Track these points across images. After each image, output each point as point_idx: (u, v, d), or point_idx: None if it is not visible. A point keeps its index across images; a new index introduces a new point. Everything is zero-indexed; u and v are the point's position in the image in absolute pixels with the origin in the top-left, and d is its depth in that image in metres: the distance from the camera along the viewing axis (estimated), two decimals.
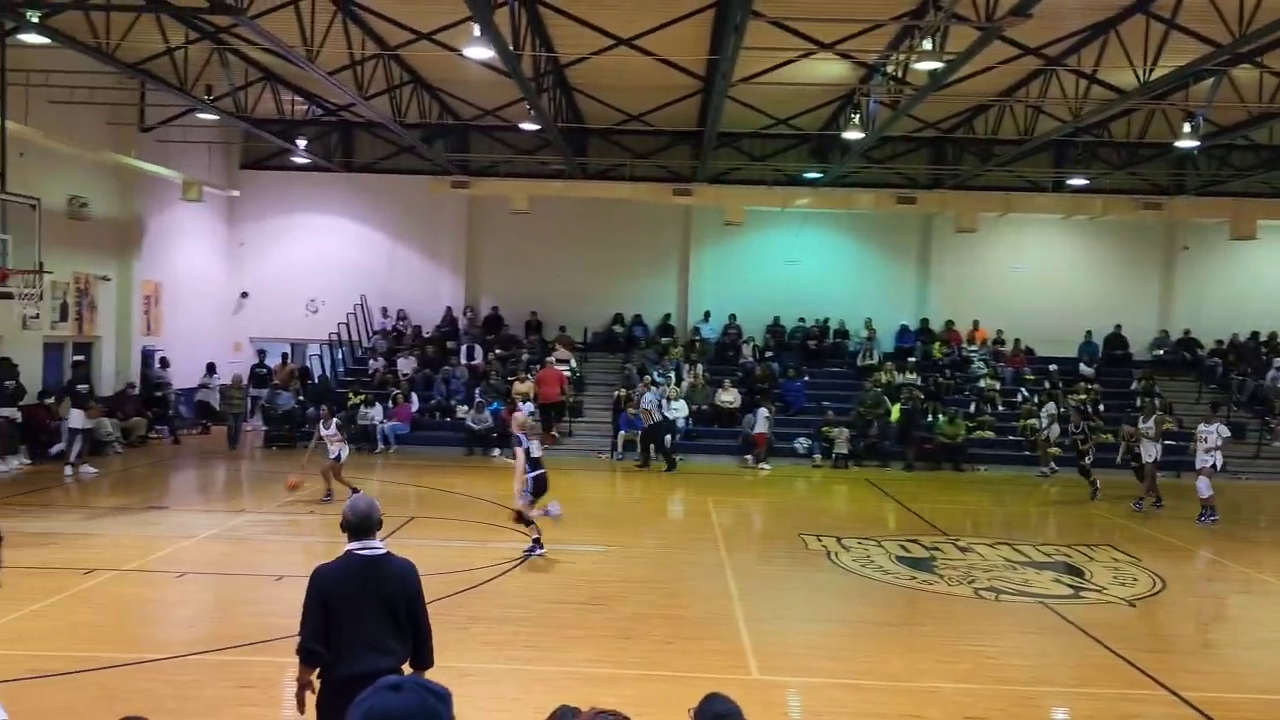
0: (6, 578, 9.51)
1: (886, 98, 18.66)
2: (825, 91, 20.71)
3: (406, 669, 4.78)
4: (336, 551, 5.01)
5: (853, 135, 19.69)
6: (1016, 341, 26.22)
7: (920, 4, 14.19)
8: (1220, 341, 26.09)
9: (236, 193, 26.39)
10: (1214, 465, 15.68)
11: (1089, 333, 26.18)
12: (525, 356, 24.76)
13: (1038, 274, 26.76)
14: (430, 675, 4.24)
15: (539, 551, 11.92)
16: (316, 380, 24.69)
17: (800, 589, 11.23)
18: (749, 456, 21.26)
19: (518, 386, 23.01)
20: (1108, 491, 17.77)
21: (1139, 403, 22.10)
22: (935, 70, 14.70)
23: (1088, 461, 18.28)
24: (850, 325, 26.47)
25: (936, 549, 13.24)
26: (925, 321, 26.61)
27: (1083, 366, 25.49)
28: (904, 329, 26.45)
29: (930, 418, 22.47)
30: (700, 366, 24.35)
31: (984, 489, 19.31)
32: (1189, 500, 16.26)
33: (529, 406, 22.28)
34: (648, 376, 22.38)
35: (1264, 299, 26.11)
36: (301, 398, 23.06)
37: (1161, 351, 26.11)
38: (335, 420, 15.75)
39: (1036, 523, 16.62)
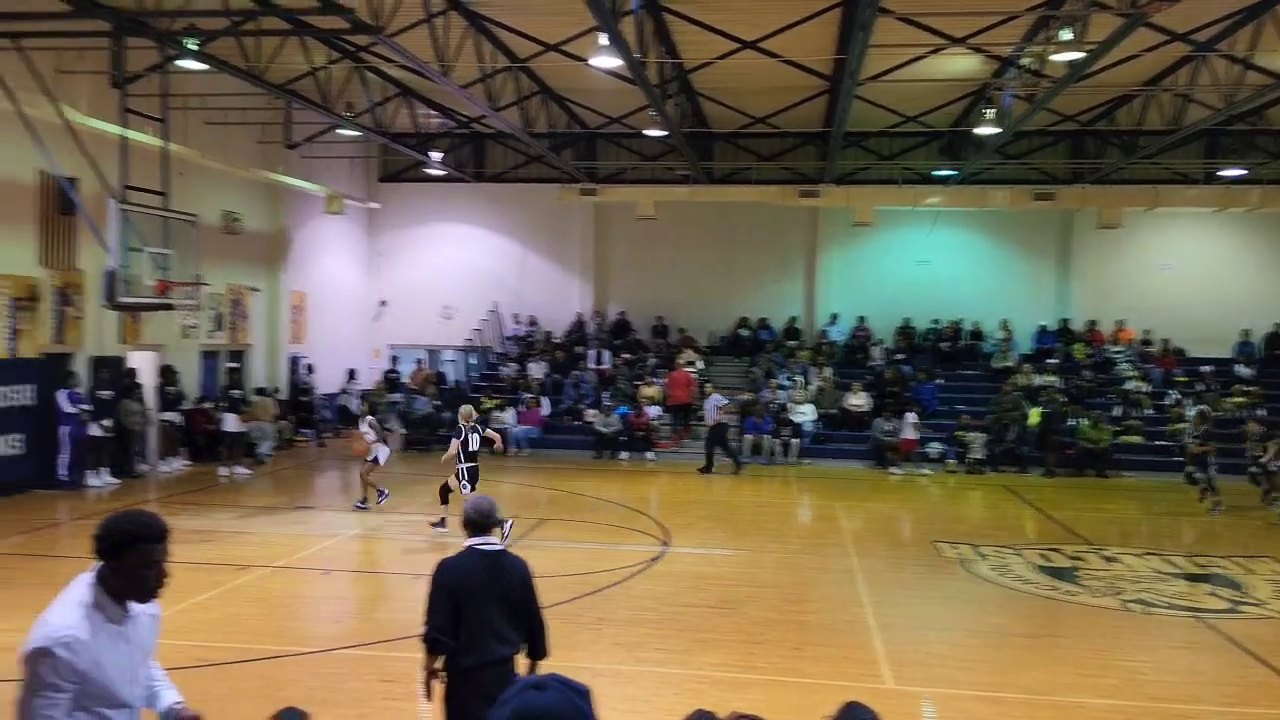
0: (173, 571, 10.11)
1: (1022, 91, 18.06)
2: (957, 87, 20.21)
3: (522, 659, 5.08)
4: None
5: (986, 131, 19.14)
6: (1165, 342, 25.00)
7: None
8: None
9: (376, 205, 27.44)
10: None
11: (1246, 331, 24.75)
12: (652, 361, 24.94)
13: (1188, 270, 25.46)
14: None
15: (444, 529, 13.01)
16: (451, 385, 25.42)
17: (935, 597, 10.98)
18: (893, 466, 20.79)
19: (644, 390, 23.21)
20: (1239, 500, 16.71)
21: None
22: (1075, 61, 14.16)
23: (1211, 471, 16.71)
24: (985, 326, 25.71)
25: (1079, 558, 12.75)
26: (1065, 322, 25.64)
27: (1239, 368, 24.11)
28: (1043, 329, 25.55)
29: (1072, 422, 21.62)
30: (828, 369, 24.05)
31: (1131, 496, 18.46)
32: None
33: (655, 410, 22.58)
34: (709, 384, 22.23)
35: None
36: (437, 402, 23.78)
37: None
38: (369, 419, 15.46)
39: (1188, 532, 15.81)
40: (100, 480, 16.66)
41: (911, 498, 18.12)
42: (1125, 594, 10.89)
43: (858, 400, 22.80)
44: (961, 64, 18.36)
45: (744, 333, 26.38)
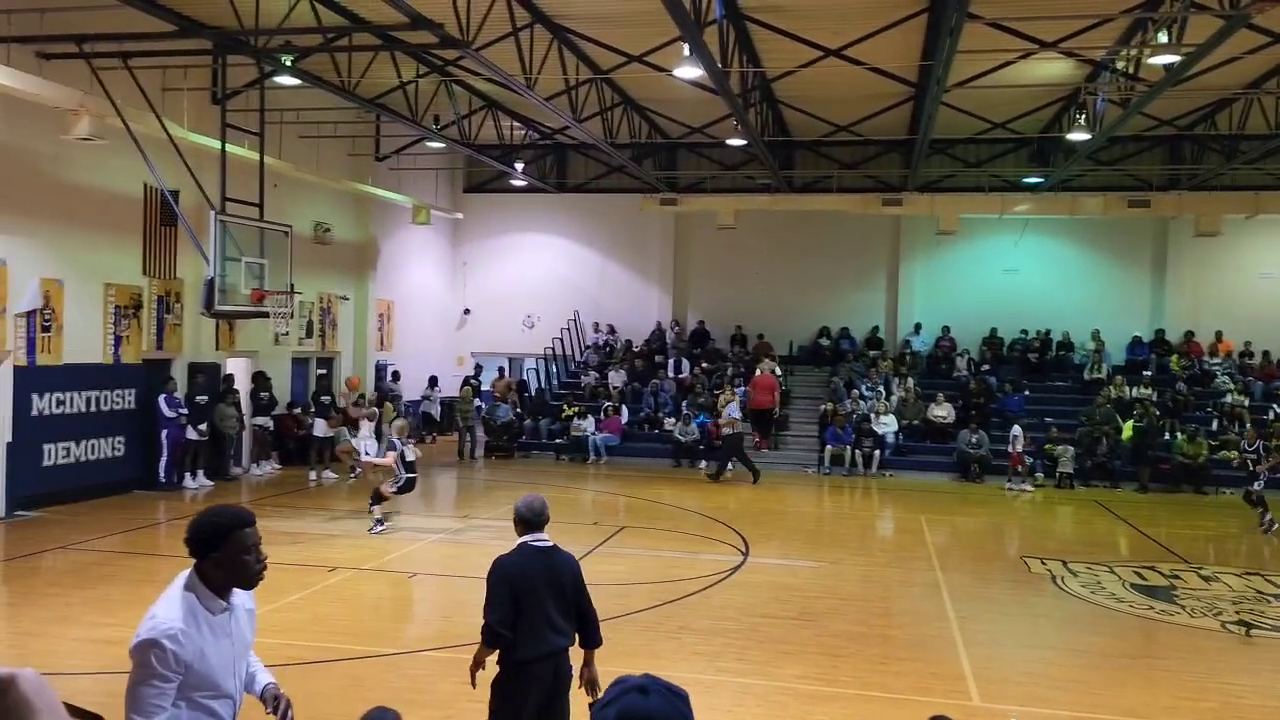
0: (267, 571, 10.39)
1: (1115, 96, 17.60)
2: (1047, 92, 19.79)
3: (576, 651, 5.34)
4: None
5: (1078, 136, 18.70)
6: (1266, 354, 24.07)
7: None
8: None
9: (460, 215, 27.91)
10: None
11: None
12: (730, 370, 24.88)
13: None
14: None
15: (381, 529, 13.63)
16: (533, 393, 25.70)
17: (1023, 614, 10.73)
18: (1009, 481, 20.20)
19: (723, 399, 23.12)
20: None
21: None
22: (1171, 64, 13.76)
23: (1258, 486, 16.00)
24: (1076, 337, 25.08)
25: (1176, 577, 12.34)
26: (1160, 332, 24.88)
27: None
28: (1136, 340, 24.82)
29: (1167, 436, 20.96)
30: (911, 380, 23.70)
31: (1230, 514, 17.79)
32: None
33: (733, 408, 22.49)
34: (728, 391, 22.00)
35: None
36: (519, 409, 24.06)
37: None
38: (368, 422, 15.42)
39: None
40: (195, 482, 17.25)
41: (998, 512, 17.74)
42: (1225, 614, 10.51)
43: (941, 411, 22.43)
44: (1052, 68, 17.98)
45: (824, 342, 26.16)
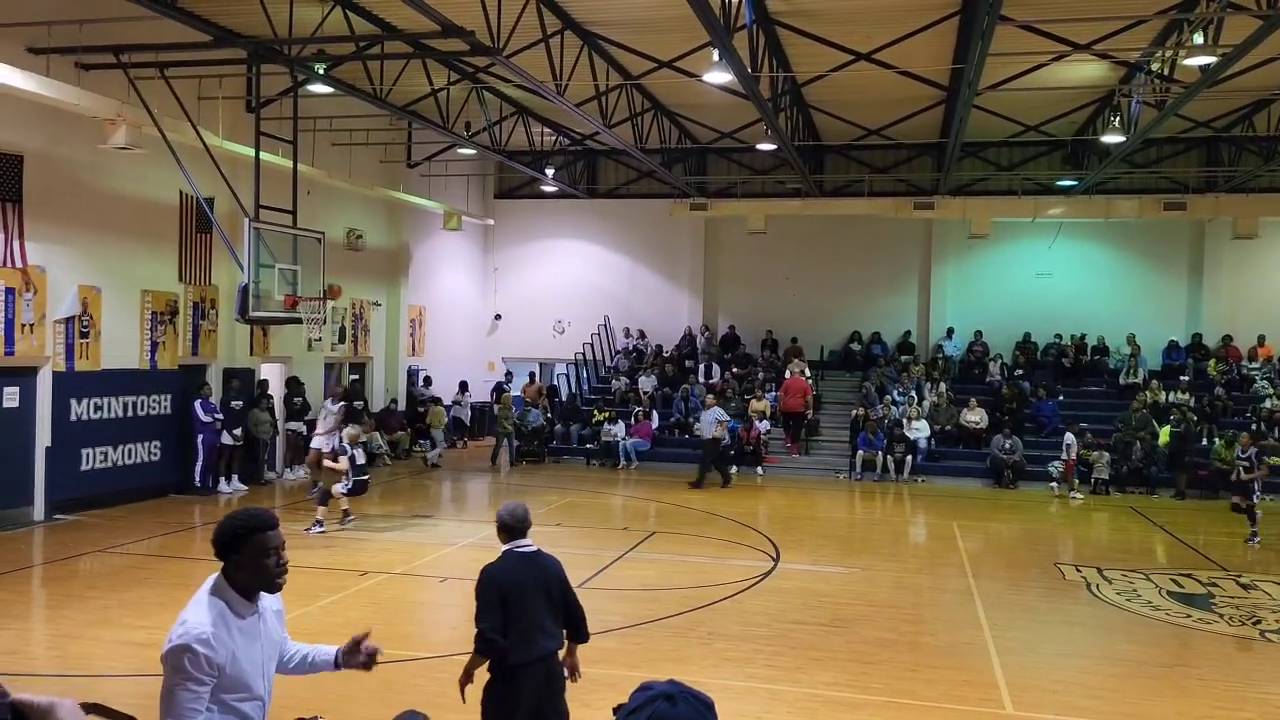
0: (298, 575, 10.51)
1: (1151, 97, 17.41)
2: (1081, 94, 19.61)
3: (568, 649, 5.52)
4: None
5: (1113, 139, 18.51)
6: None
7: None
8: None
9: (491, 221, 28.07)
10: None
11: None
12: (761, 375, 24.82)
13: None
14: None
15: (318, 530, 13.86)
16: (563, 398, 25.76)
17: (1057, 621, 10.62)
18: (1054, 484, 19.92)
19: (754, 405, 23.11)
20: None
21: None
22: (1208, 65, 13.59)
23: (1255, 498, 15.38)
24: (1111, 341, 24.79)
25: (1214, 584, 12.16)
26: (1198, 337, 24.53)
27: None
28: (1173, 345, 24.48)
29: (1205, 441, 20.66)
30: (944, 385, 23.52)
31: (1270, 521, 17.47)
32: None
33: (765, 424, 22.44)
34: (710, 396, 21.86)
35: None
36: (549, 415, 24.12)
37: None
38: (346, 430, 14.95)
39: None
40: (230, 487, 17.44)
41: (1032, 518, 17.56)
42: (1265, 623, 10.34)
43: (974, 417, 22.24)
44: (1086, 70, 17.82)
45: (856, 347, 26.04)
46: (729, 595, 11.04)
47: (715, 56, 13.35)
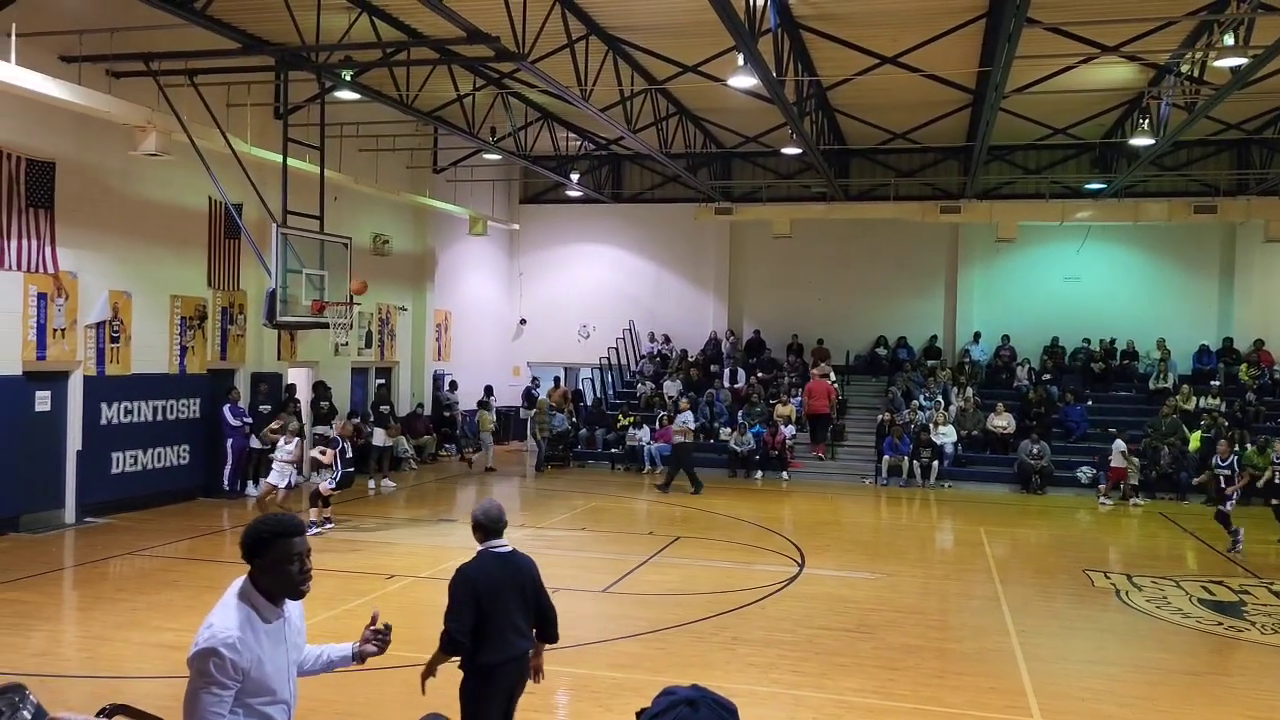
0: (324, 579, 10.55)
1: (1180, 99, 17.23)
2: (1109, 97, 19.43)
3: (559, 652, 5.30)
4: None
5: (1141, 141, 18.32)
6: None
7: None
8: None
9: (516, 226, 28.16)
10: None
11: None
12: (787, 380, 24.75)
13: None
14: None
15: (319, 530, 13.95)
16: (589, 403, 25.79)
17: (1086, 628, 10.51)
18: (1101, 489, 19.64)
19: (779, 409, 23.04)
20: None
21: None
22: (1239, 67, 13.44)
23: (1228, 507, 14.88)
24: (1140, 346, 24.52)
25: (1246, 592, 12.00)
26: (1229, 341, 24.23)
27: None
28: (1203, 349, 24.19)
29: (1236, 447, 20.37)
30: (970, 390, 23.36)
31: None
32: None
33: (791, 429, 22.36)
34: (682, 400, 21.73)
35: None
36: (574, 419, 24.15)
37: None
38: (298, 439, 14.72)
39: None
40: (258, 490, 17.55)
41: (1060, 524, 17.39)
42: None
43: (1001, 422, 22.08)
44: (1114, 73, 17.67)
45: (881, 352, 25.91)
46: (754, 600, 11.01)
47: (740, 61, 13.33)
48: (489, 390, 25.93)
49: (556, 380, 26.78)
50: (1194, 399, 22.24)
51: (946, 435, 21.67)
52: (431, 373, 24.61)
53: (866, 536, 16.14)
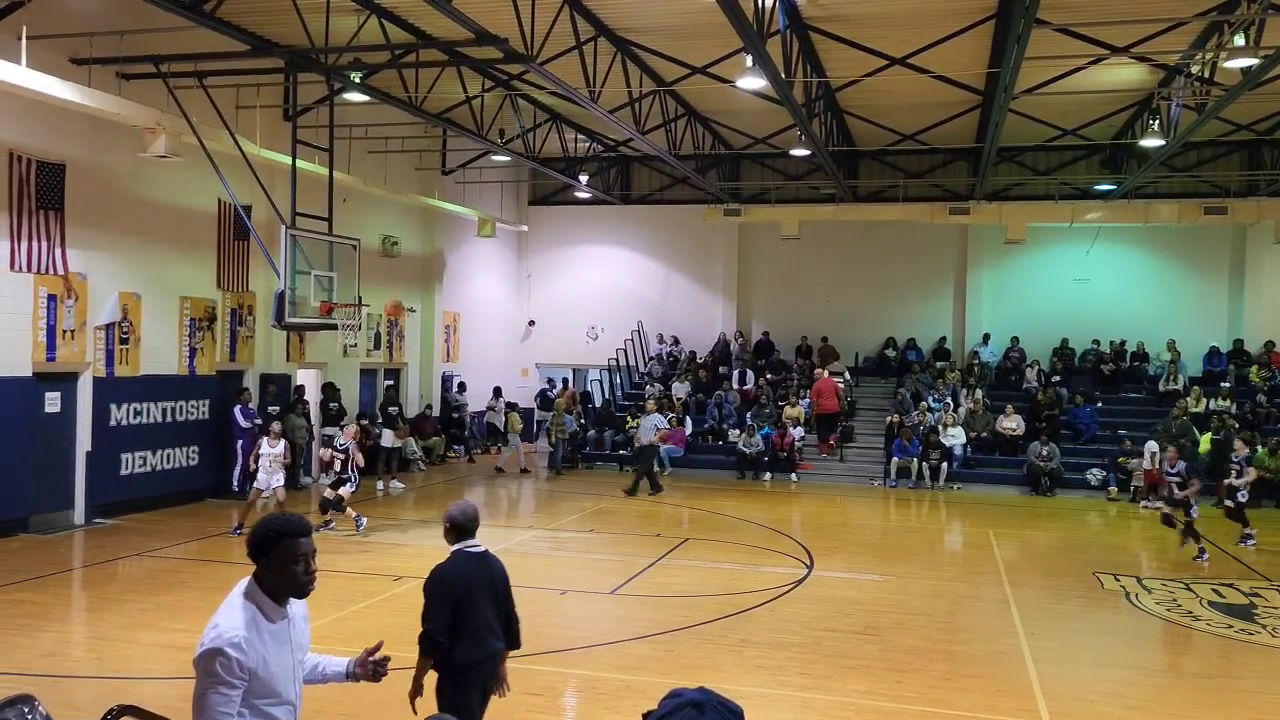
0: (327, 579, 10.58)
1: (1191, 100, 17.16)
2: (1119, 98, 19.36)
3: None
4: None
5: (1152, 143, 18.26)
6: None
7: None
8: None
9: (525, 227, 28.19)
10: None
11: None
12: (795, 381, 24.71)
13: None
14: None
15: (329, 528, 14.23)
16: (597, 405, 25.79)
17: (1096, 631, 10.46)
18: (1144, 500, 19.02)
19: (788, 411, 23.01)
20: None
21: None
22: (1249, 67, 13.38)
23: (1192, 514, 14.18)
24: (1150, 347, 24.43)
25: (1257, 594, 11.93)
26: (1239, 343, 24.11)
27: None
28: (1214, 351, 24.08)
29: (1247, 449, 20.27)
30: (979, 392, 23.30)
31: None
32: None
33: (799, 431, 22.32)
34: (651, 401, 21.68)
35: None
36: (583, 420, 24.15)
37: None
38: (284, 441, 14.56)
39: None
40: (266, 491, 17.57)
41: (1069, 526, 17.33)
42: None
43: (1011, 423, 22.02)
44: (1124, 74, 17.61)
45: (890, 353, 25.87)
46: (762, 602, 10.99)
47: (749, 62, 13.31)
48: (498, 391, 26.01)
49: (565, 381, 26.79)
50: (1204, 401, 22.14)
51: (955, 437, 21.61)
52: (440, 374, 24.64)
53: (875, 538, 16.11)
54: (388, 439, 19.68)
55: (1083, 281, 25.23)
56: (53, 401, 14.38)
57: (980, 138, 20.92)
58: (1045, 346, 25.13)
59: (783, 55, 14.39)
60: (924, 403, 22.80)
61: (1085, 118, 21.06)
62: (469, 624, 5.24)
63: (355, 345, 19.34)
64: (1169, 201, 23.58)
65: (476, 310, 26.54)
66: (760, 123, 21.78)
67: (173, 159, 14.30)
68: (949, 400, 22.96)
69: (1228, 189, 23.53)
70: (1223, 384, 22.84)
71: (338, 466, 14.47)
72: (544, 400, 25.80)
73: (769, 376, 25.21)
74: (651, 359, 27.25)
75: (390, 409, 20.84)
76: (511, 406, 23.38)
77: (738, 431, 22.68)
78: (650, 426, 19.87)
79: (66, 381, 14.60)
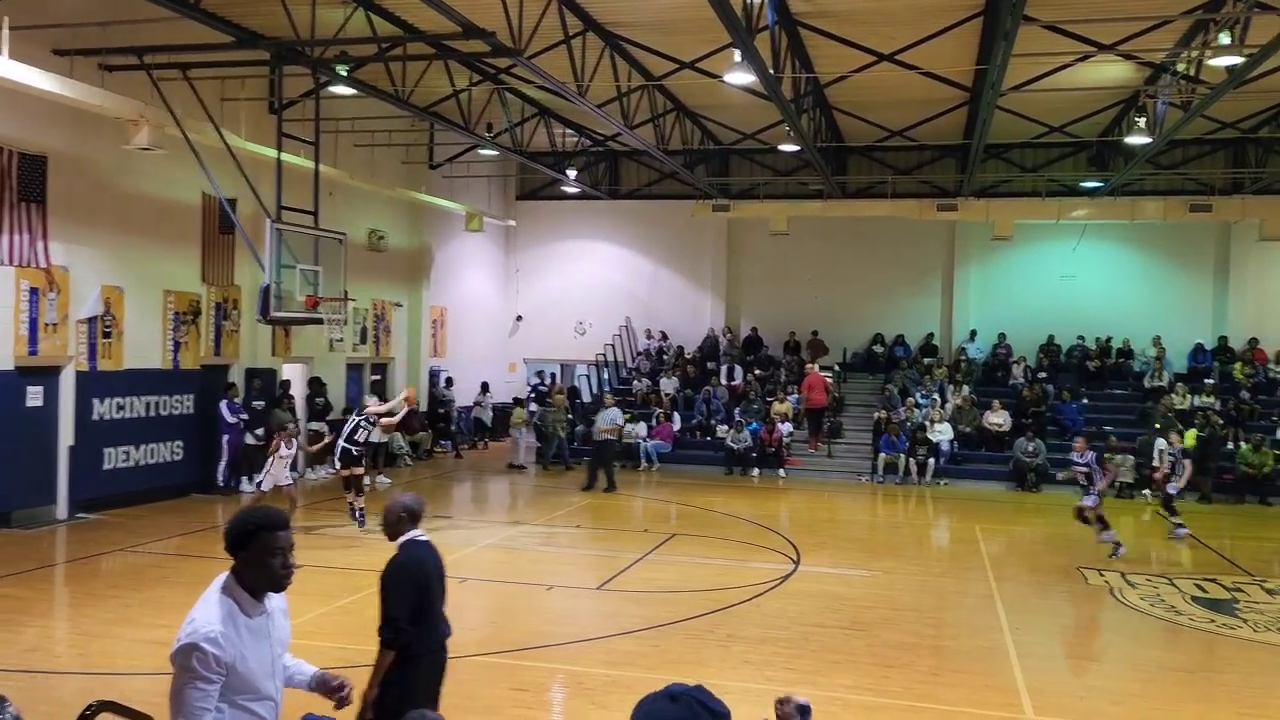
0: (316, 574, 10.54)
1: (1176, 98, 17.23)
2: (1105, 95, 19.42)
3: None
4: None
5: (1138, 140, 18.31)
6: None
7: None
8: None
9: (513, 222, 28.11)
10: None
11: None
12: (784, 377, 24.74)
13: None
14: None
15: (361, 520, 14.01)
16: (584, 400, 25.74)
17: (1080, 626, 10.52)
18: (1148, 492, 18.93)
19: (777, 406, 23.03)
20: None
21: None
22: (1234, 66, 13.43)
23: (1090, 502, 14.12)
24: (1136, 344, 24.55)
25: (1239, 590, 12.00)
26: (1224, 339, 24.25)
27: None
28: (1198, 348, 24.21)
29: (1231, 445, 20.42)
30: (966, 388, 23.37)
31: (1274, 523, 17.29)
32: None
33: (788, 427, 22.36)
34: (608, 395, 21.70)
35: None
36: (570, 415, 24.10)
37: None
38: (298, 439, 14.69)
39: None
40: (252, 486, 17.50)
41: (1055, 522, 17.38)
42: None
43: (997, 419, 22.08)
44: (1110, 71, 17.66)
45: (878, 349, 25.91)
46: (749, 598, 10.99)
47: (737, 57, 13.30)
48: (485, 387, 25.97)
49: (553, 377, 26.75)
50: (1189, 397, 22.26)
51: (942, 433, 21.67)
52: (427, 369, 24.56)
53: (862, 534, 16.14)
54: (374, 434, 19.56)
55: (1069, 278, 25.31)
56: (34, 395, 14.26)
57: (968, 134, 20.96)
58: (1032, 343, 25.21)
59: (771, 50, 14.37)
60: (911, 399, 22.85)
61: (1072, 115, 21.13)
62: (427, 612, 5.26)
63: (341, 340, 19.24)
64: (1155, 199, 23.67)
65: (464, 305, 26.46)
66: (749, 118, 21.77)
67: (156, 151, 14.19)
68: (936, 396, 23.02)
69: (1213, 187, 23.64)
70: (1207, 380, 22.96)
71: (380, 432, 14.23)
72: (537, 395, 25.73)
73: (757, 372, 25.23)
74: (639, 354, 27.23)
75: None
76: (519, 403, 23.35)
77: (726, 427, 22.69)
78: (609, 420, 19.67)
79: (48, 375, 14.49)
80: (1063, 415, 22.38)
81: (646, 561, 12.84)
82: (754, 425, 22.26)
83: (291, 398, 18.84)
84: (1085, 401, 23.02)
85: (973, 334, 25.61)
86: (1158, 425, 20.63)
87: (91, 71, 13.91)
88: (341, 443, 14.48)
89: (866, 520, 17.60)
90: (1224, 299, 24.73)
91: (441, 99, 18.83)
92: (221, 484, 17.02)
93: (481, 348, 27.26)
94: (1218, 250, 24.77)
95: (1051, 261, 25.34)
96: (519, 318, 28.67)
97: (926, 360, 25.18)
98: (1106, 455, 18.18)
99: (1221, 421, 21.04)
